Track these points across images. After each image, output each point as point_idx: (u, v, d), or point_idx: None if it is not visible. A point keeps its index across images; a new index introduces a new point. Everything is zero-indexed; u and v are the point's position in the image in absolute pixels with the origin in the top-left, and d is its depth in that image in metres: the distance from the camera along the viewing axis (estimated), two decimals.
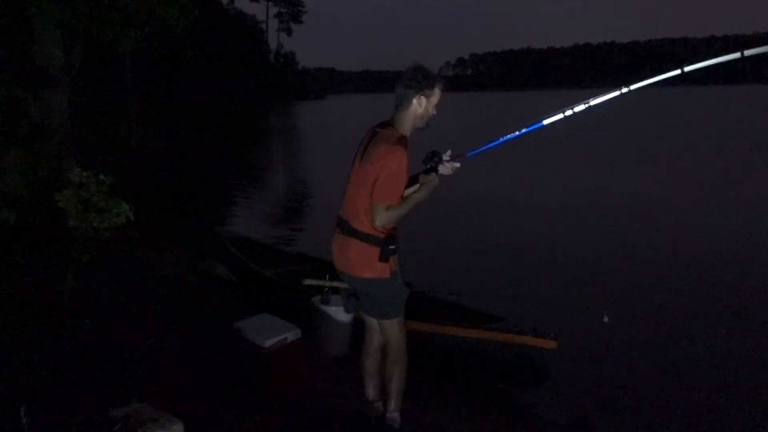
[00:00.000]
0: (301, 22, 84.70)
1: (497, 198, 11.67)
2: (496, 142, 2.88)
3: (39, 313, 4.00)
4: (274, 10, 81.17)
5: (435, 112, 2.72)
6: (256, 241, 6.82)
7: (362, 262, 2.67)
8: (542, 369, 4.03)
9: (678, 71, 2.61)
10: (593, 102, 2.73)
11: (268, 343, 3.21)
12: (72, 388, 2.98)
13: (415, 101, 2.65)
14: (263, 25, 71.16)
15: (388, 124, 2.72)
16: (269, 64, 68.85)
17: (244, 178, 16.93)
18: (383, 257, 2.63)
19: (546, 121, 2.82)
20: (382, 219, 2.58)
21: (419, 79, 2.64)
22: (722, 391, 4.23)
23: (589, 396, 4.21)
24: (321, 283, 4.53)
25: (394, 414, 2.92)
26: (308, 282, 4.73)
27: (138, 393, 2.84)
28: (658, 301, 5.92)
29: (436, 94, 2.69)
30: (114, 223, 4.22)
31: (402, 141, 2.61)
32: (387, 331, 2.83)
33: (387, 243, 2.62)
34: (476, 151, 2.87)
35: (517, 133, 2.89)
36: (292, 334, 3.34)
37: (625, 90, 2.65)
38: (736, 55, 2.52)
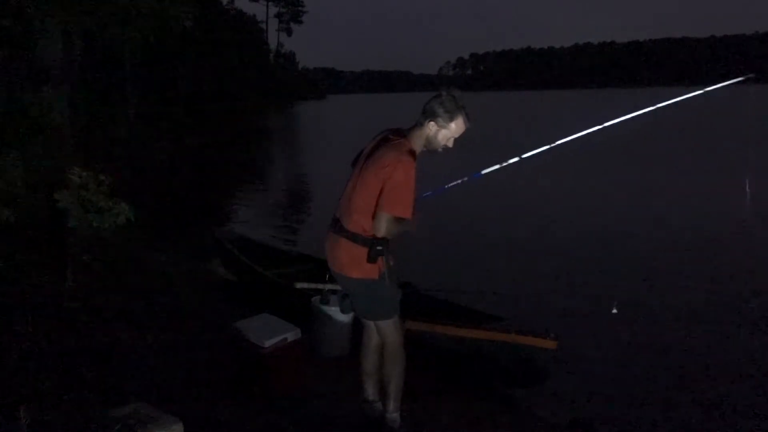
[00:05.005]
0: (301, 22, 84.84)
1: (497, 197, 11.65)
2: (442, 189, 3.16)
3: (39, 313, 4.00)
4: (274, 10, 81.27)
5: (450, 145, 2.72)
6: (256, 241, 6.82)
7: (351, 262, 2.68)
8: (542, 369, 4.03)
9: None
10: (526, 155, 3.01)
11: (268, 343, 3.21)
12: (72, 388, 2.98)
13: (426, 124, 2.67)
14: (263, 25, 71.19)
15: (403, 134, 2.72)
16: (269, 64, 68.83)
17: (244, 178, 16.92)
18: (371, 258, 2.62)
19: (483, 171, 3.10)
20: (383, 228, 2.57)
21: (437, 106, 2.64)
22: (724, 391, 4.23)
23: (589, 396, 4.20)
24: (313, 286, 4.53)
25: (393, 414, 2.92)
26: (300, 286, 4.71)
27: (138, 393, 2.84)
28: (660, 301, 5.91)
29: (452, 129, 2.67)
30: (114, 223, 4.22)
31: (412, 153, 2.63)
32: (382, 332, 2.84)
33: (375, 244, 2.61)
34: (429, 195, 3.09)
35: (459, 181, 3.16)
36: (292, 334, 3.34)
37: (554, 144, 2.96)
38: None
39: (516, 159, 2.96)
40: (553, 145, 2.88)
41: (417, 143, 2.69)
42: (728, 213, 9.92)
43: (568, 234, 8.70)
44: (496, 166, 3.04)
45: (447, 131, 2.67)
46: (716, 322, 5.42)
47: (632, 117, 2.83)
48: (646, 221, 9.43)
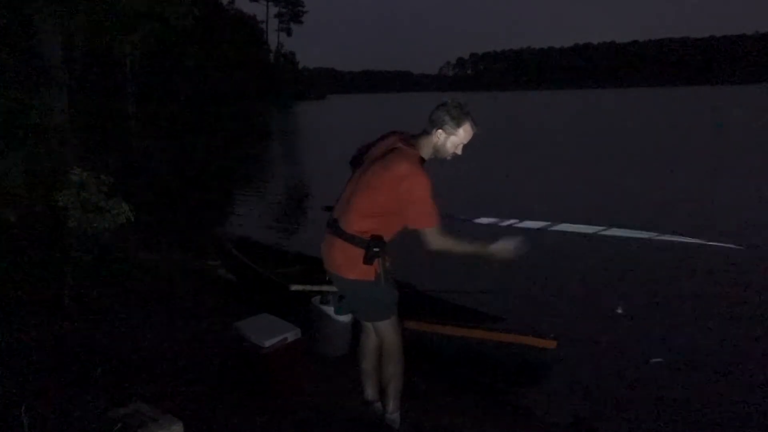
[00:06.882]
0: (301, 22, 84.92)
1: (497, 196, 11.66)
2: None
3: (39, 313, 4.00)
4: (274, 10, 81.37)
5: (459, 152, 2.74)
6: (256, 241, 6.82)
7: (347, 263, 2.68)
8: (542, 369, 4.04)
9: None
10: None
11: (268, 343, 3.21)
12: (72, 388, 2.98)
13: (434, 132, 2.68)
14: (263, 25, 71.24)
15: (410, 141, 2.72)
16: (269, 64, 68.87)
17: (244, 178, 16.91)
18: (368, 259, 2.63)
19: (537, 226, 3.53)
20: (437, 243, 2.65)
21: (443, 114, 2.67)
22: (726, 391, 4.23)
23: (589, 396, 4.20)
24: (308, 288, 4.51)
25: (393, 415, 2.93)
26: (295, 288, 4.71)
27: (138, 393, 2.84)
28: (659, 300, 5.91)
29: (460, 135, 2.69)
30: (114, 223, 4.21)
31: (422, 162, 2.66)
32: (380, 333, 2.84)
33: (372, 245, 2.62)
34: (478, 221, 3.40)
35: (512, 222, 3.57)
36: (292, 334, 3.34)
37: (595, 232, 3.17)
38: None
39: (566, 226, 3.22)
40: (607, 231, 3.16)
41: (425, 151, 2.71)
42: (731, 214, 9.93)
43: (569, 233, 8.68)
44: (542, 224, 3.26)
45: (456, 137, 2.69)
46: (719, 321, 5.42)
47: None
48: (647, 221, 9.43)
